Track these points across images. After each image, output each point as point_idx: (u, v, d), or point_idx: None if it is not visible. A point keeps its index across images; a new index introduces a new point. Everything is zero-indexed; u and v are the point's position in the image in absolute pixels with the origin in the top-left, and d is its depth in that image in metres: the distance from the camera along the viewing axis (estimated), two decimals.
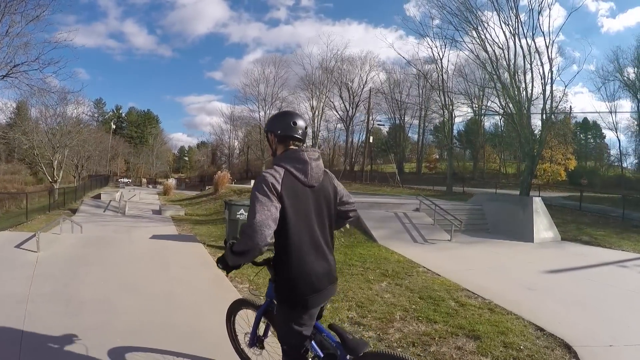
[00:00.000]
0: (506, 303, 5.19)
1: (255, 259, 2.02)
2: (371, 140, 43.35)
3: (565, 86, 29.29)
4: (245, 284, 5.61)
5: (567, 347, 3.92)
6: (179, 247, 8.25)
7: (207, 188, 31.32)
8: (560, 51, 39.09)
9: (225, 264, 2.12)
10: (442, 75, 31.28)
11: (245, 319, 2.93)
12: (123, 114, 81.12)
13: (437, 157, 58.83)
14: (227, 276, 2.07)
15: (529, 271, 7.54)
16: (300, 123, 2.21)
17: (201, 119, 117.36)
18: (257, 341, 2.73)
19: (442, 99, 32.56)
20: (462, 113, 45.84)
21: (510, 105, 19.67)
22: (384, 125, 55.04)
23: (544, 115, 19.40)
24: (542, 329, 4.34)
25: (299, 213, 2.02)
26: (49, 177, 27.17)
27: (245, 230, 1.90)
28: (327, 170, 2.29)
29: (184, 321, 3.92)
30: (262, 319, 2.70)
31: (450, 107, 33.75)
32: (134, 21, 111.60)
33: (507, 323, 4.45)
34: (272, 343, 2.73)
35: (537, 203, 12.34)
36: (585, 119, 53.81)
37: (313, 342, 2.26)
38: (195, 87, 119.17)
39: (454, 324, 4.32)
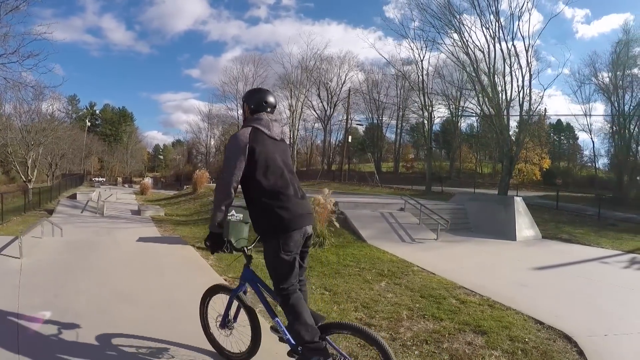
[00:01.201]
0: (503, 299, 5.31)
1: (227, 204, 2.51)
2: (350, 140, 43.50)
3: (545, 89, 29.95)
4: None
5: (568, 338, 4.07)
6: (169, 250, 8.08)
7: (185, 187, 30.74)
8: (537, 55, 40.14)
9: (211, 238, 2.59)
10: (422, 76, 31.67)
11: (219, 304, 3.10)
12: (97, 111, 78.90)
13: (413, 156, 59.54)
14: (212, 254, 3.14)
15: (518, 268, 7.73)
16: (271, 100, 2.75)
17: (177, 117, 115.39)
18: (227, 322, 2.99)
19: (422, 99, 32.93)
20: (440, 114, 46.50)
21: (489, 107, 20.18)
22: (362, 125, 55.24)
23: (521, 117, 19.96)
24: (541, 322, 4.48)
25: (267, 156, 2.53)
26: (22, 176, 26.14)
27: (219, 178, 2.58)
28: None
29: (195, 331, 3.55)
30: (235, 303, 2.96)
31: (430, 108, 34.23)
32: (112, 16, 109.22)
33: (508, 318, 4.58)
34: (241, 327, 3.00)
35: (519, 202, 12.61)
36: (559, 121, 55.67)
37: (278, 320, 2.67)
38: (172, 84, 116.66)
39: (460, 320, 4.40)
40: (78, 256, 7.05)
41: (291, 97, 44.90)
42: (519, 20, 19.53)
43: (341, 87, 50.42)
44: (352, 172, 47.47)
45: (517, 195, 15.31)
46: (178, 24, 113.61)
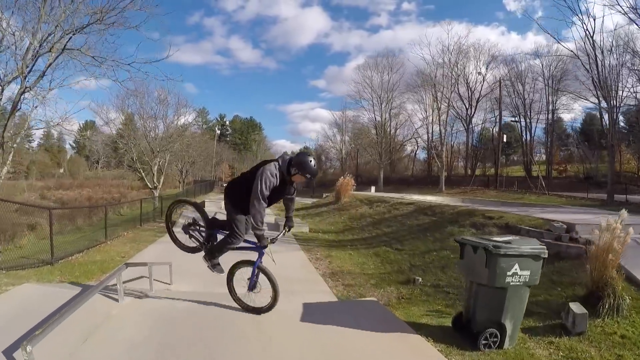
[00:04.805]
0: None
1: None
2: (504, 140, 36.35)
3: None
4: None
5: None
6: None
7: (324, 196, 26.53)
8: None
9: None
10: (595, 52, 23.44)
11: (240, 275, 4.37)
12: (227, 122, 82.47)
13: (561, 158, 49.72)
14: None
15: None
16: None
17: (304, 125, 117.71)
18: (254, 285, 4.34)
19: (598, 82, 24.74)
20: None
21: None
22: (517, 122, 47.25)
23: None
24: None
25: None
26: (148, 183, 25.02)
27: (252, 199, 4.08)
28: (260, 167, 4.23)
29: None
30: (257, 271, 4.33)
31: (609, 94, 25.68)
32: (239, 37, 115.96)
33: None
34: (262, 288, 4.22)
35: None
36: None
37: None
38: (298, 95, 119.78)
39: None
40: None
41: (436, 95, 39.52)
42: None
43: (482, 82, 43.13)
44: (503, 177, 39.88)
45: None
46: (301, 39, 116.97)
